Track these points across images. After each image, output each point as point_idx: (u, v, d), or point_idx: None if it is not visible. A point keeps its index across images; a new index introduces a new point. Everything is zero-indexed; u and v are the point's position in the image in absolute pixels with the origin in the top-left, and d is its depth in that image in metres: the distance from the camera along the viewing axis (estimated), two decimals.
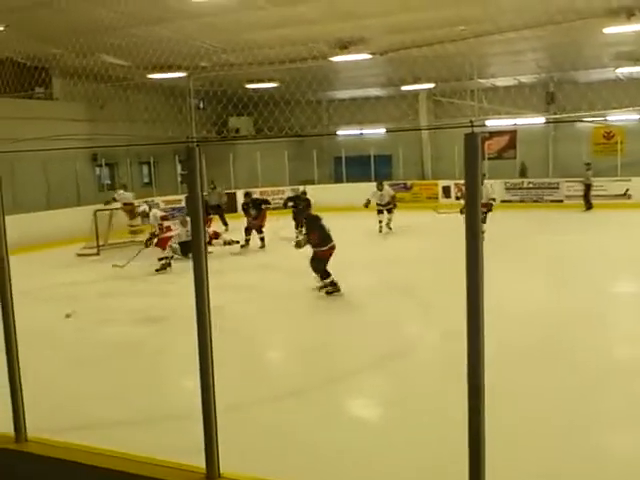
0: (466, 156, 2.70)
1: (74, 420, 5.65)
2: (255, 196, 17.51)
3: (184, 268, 12.67)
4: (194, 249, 3.53)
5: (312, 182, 25.29)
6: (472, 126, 2.53)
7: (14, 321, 4.14)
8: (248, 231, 16.22)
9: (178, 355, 7.41)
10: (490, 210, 14.30)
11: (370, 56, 17.26)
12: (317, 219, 10.84)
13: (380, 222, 18.00)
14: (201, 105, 25.67)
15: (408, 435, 5.30)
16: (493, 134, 25.48)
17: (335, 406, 6.14)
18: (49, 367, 7.33)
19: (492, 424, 2.85)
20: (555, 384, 6.22)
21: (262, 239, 16.17)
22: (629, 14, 13.88)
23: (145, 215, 16.19)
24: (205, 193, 19.55)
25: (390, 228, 17.95)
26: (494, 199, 16.42)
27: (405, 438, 5.25)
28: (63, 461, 3.86)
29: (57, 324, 9.45)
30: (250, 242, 16.09)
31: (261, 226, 16.24)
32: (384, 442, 5.25)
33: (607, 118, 21.54)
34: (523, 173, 24.22)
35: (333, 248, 10.44)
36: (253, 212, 16.11)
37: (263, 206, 16.38)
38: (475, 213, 2.75)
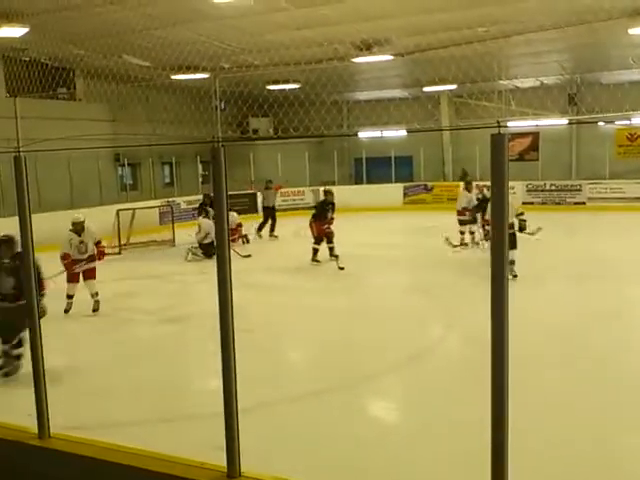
0: (493, 158, 2.65)
1: (97, 418, 5.70)
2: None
3: (207, 267, 12.77)
4: (219, 249, 3.51)
5: (332, 183, 25.31)
6: (499, 126, 2.48)
7: (39, 320, 4.19)
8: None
9: (201, 354, 7.45)
10: (523, 228, 11.48)
11: (392, 57, 17.21)
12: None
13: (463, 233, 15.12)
14: (222, 106, 25.74)
15: (428, 438, 5.28)
16: (515, 136, 25.30)
17: (356, 407, 6.13)
18: (71, 366, 7.41)
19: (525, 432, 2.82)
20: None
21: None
22: None
23: None
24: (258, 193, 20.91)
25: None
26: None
27: (425, 441, 5.23)
28: (85, 458, 3.90)
29: (77, 323, 9.53)
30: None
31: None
32: (404, 443, 5.24)
33: (631, 120, 21.31)
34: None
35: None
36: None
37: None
38: (502, 218, 2.70)
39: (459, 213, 15.25)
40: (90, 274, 10.10)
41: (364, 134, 26.50)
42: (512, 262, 10.08)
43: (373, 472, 4.74)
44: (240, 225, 17.15)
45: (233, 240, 17.17)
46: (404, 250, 15.24)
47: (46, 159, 16.22)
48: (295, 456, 4.91)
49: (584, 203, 22.12)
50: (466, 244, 14.65)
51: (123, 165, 22.68)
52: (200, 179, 24.67)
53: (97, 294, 10.09)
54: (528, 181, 23.16)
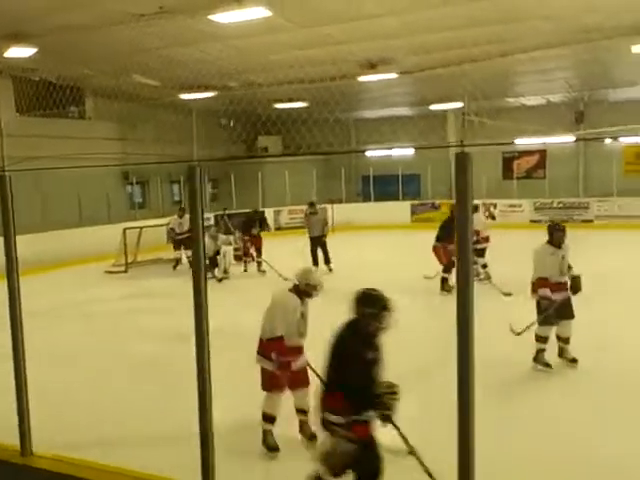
0: (457, 177, 2.65)
1: (93, 436, 5.68)
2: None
3: (213, 287, 12.80)
4: (194, 273, 3.49)
5: (340, 201, 25.39)
6: (462, 146, 2.48)
7: (22, 335, 4.22)
8: (247, 254, 15.77)
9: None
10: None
11: (397, 75, 17.30)
12: None
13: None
14: (231, 124, 25.96)
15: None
16: (522, 153, 25.30)
17: None
18: (72, 384, 7.45)
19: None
20: None
21: (260, 263, 15.45)
22: None
23: None
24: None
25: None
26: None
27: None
28: (65, 476, 3.91)
29: (81, 341, 9.58)
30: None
31: (259, 248, 15.71)
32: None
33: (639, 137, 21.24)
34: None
35: None
36: (255, 230, 15.75)
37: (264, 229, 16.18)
38: (465, 237, 2.70)
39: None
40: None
41: (372, 153, 26.58)
42: (567, 339, 7.72)
43: None
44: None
45: (239, 258, 17.14)
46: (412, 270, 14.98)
47: (54, 177, 16.48)
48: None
49: (592, 221, 22.02)
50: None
51: (132, 183, 22.85)
52: (208, 197, 24.81)
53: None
54: (536, 199, 23.10)
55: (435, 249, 12.08)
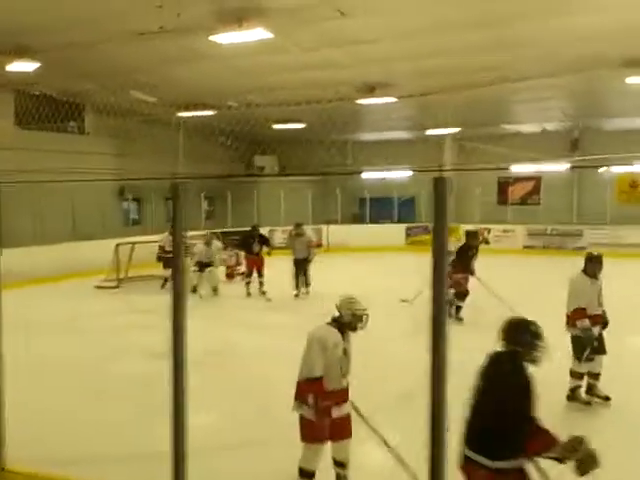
0: (435, 202, 2.63)
1: (70, 453, 5.65)
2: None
3: (197, 304, 12.77)
4: (173, 294, 3.37)
5: (335, 222, 25.50)
6: (440, 170, 2.53)
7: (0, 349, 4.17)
8: (249, 273, 15.01)
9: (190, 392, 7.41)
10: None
11: (396, 99, 17.47)
12: None
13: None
14: (228, 143, 26.06)
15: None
16: (517, 180, 25.52)
17: None
18: (56, 399, 7.40)
19: None
20: None
21: (262, 283, 14.78)
22: None
23: None
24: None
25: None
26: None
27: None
28: None
29: (65, 356, 9.53)
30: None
31: (261, 268, 14.88)
32: None
33: (633, 166, 21.43)
34: None
35: None
36: (257, 248, 14.95)
37: (265, 248, 15.19)
38: (441, 263, 2.68)
39: None
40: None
41: (368, 175, 26.75)
42: (597, 376, 7.19)
43: None
44: (239, 263, 17.34)
45: (231, 276, 17.32)
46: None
47: (49, 191, 16.52)
48: None
49: (585, 248, 22.10)
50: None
51: (127, 199, 22.87)
52: (204, 215, 24.84)
53: None
54: (530, 225, 23.24)
55: (448, 276, 11.44)
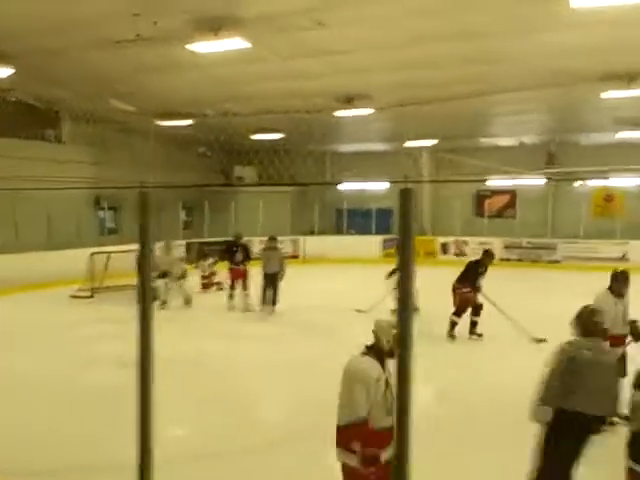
0: (401, 213, 2.60)
1: (47, 465, 5.61)
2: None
3: (167, 317, 12.60)
4: (140, 308, 3.29)
5: (312, 233, 25.53)
6: (406, 182, 2.52)
7: None
8: (232, 285, 14.45)
9: (160, 402, 7.32)
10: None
11: (373, 111, 17.54)
12: None
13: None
14: (208, 153, 26.06)
15: None
16: (493, 193, 25.73)
17: (314, 457, 6.04)
18: (27, 410, 7.31)
19: None
20: None
21: (247, 295, 14.26)
22: (630, 79, 13.99)
23: None
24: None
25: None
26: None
27: None
28: None
29: (39, 366, 9.41)
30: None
31: (245, 281, 14.36)
32: None
33: (608, 180, 21.69)
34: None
35: None
36: (240, 257, 14.39)
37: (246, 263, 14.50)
38: (407, 276, 2.63)
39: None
40: None
41: (345, 187, 26.84)
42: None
43: None
44: (213, 273, 17.27)
45: (207, 286, 17.24)
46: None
47: (26, 201, 16.37)
48: None
49: (559, 261, 22.33)
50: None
51: (103, 209, 22.67)
52: (182, 225, 24.71)
53: None
54: (505, 237, 23.41)
55: (453, 290, 11.43)
